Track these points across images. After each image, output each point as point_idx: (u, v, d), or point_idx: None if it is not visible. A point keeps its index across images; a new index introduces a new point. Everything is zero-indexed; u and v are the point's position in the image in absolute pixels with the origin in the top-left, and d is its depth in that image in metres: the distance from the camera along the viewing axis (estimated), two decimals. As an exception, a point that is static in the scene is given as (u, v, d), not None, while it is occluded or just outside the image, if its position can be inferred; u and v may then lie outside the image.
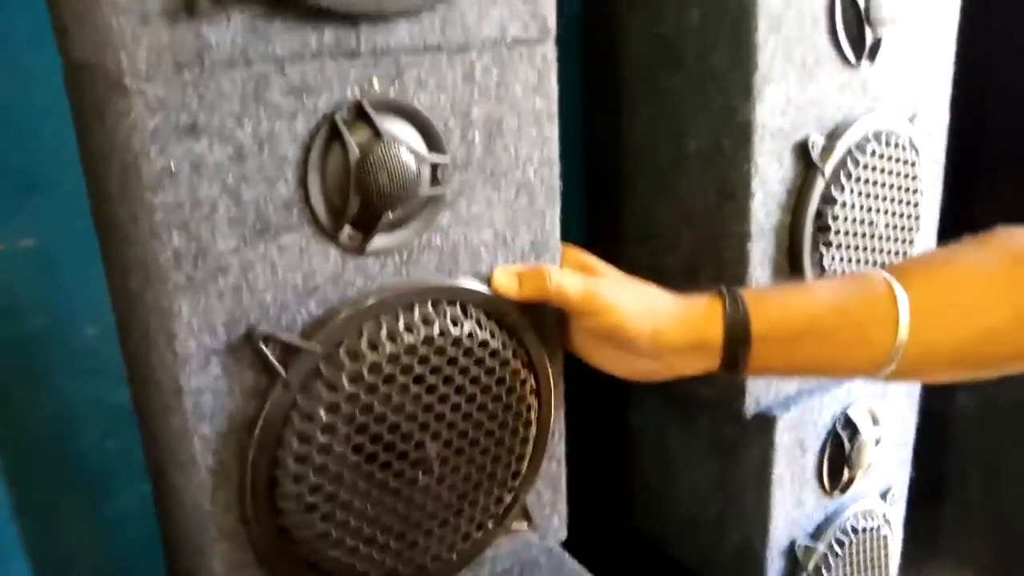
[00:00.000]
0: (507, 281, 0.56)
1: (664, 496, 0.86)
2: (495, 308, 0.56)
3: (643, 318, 0.56)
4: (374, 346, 0.50)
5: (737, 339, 0.56)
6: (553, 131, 0.57)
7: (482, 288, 0.56)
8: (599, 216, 0.81)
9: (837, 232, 0.68)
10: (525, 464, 0.61)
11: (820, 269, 0.69)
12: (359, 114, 0.48)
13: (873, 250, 0.71)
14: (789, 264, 0.68)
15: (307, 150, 0.46)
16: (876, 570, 0.85)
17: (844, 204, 0.67)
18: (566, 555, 0.69)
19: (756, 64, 0.60)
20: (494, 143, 0.54)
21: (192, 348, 0.46)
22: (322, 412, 0.49)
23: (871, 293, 0.55)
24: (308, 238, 0.48)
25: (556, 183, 0.59)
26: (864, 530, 0.82)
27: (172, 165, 0.42)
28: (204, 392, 0.47)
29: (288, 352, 0.48)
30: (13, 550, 0.73)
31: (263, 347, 0.47)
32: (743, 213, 0.65)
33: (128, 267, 0.52)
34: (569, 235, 0.64)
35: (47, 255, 0.69)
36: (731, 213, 0.66)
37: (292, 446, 0.49)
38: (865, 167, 0.68)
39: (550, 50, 0.55)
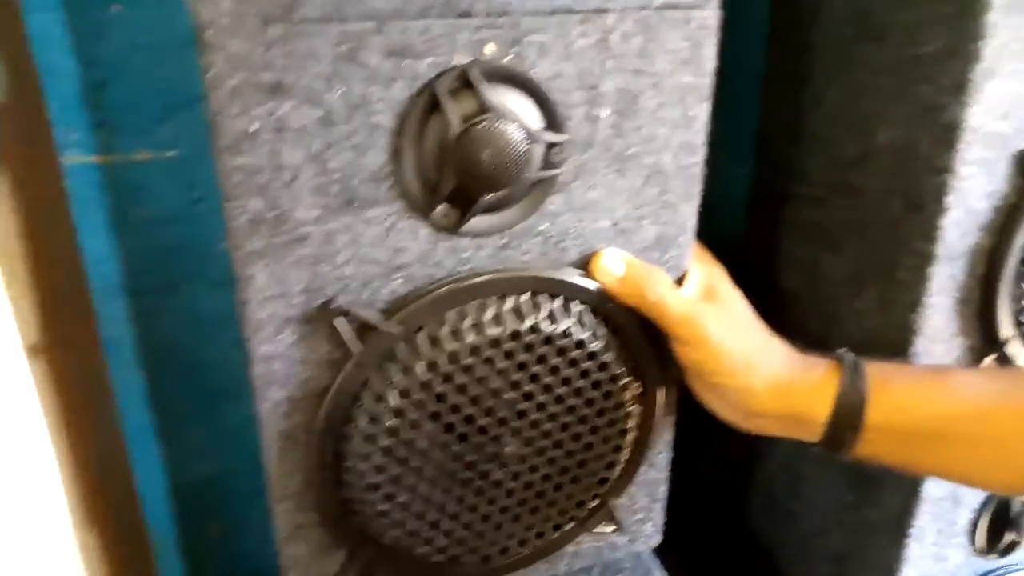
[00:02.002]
0: (611, 265, 0.49)
1: (787, 508, 0.77)
2: (602, 305, 0.50)
3: (741, 369, 0.48)
4: (456, 335, 0.46)
5: (845, 424, 0.48)
6: (702, 112, 0.49)
7: (588, 282, 0.50)
8: (762, 205, 0.71)
9: (1051, 267, 0.54)
10: (616, 471, 0.56)
11: (1020, 307, 0.56)
12: (465, 82, 0.42)
13: (1099, 292, 0.57)
14: (981, 296, 0.56)
15: (403, 119, 0.42)
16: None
17: (1070, 233, 0.53)
18: (655, 563, 0.64)
19: (978, 54, 0.48)
20: (625, 122, 0.47)
21: (264, 316, 0.44)
22: (394, 395, 0.46)
23: None
24: (397, 213, 0.44)
25: (697, 172, 0.50)
26: (1020, 602, 0.70)
27: (253, 127, 0.39)
28: (274, 359, 0.45)
29: (365, 329, 0.45)
30: (147, 441, 0.80)
31: (339, 321, 0.45)
32: (930, 230, 0.53)
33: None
34: (727, 222, 0.56)
35: (188, 168, 0.71)
36: (915, 227, 0.54)
37: (360, 424, 0.47)
38: (1110, 190, 0.53)
39: (711, 16, 0.46)
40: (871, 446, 0.48)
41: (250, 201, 0.41)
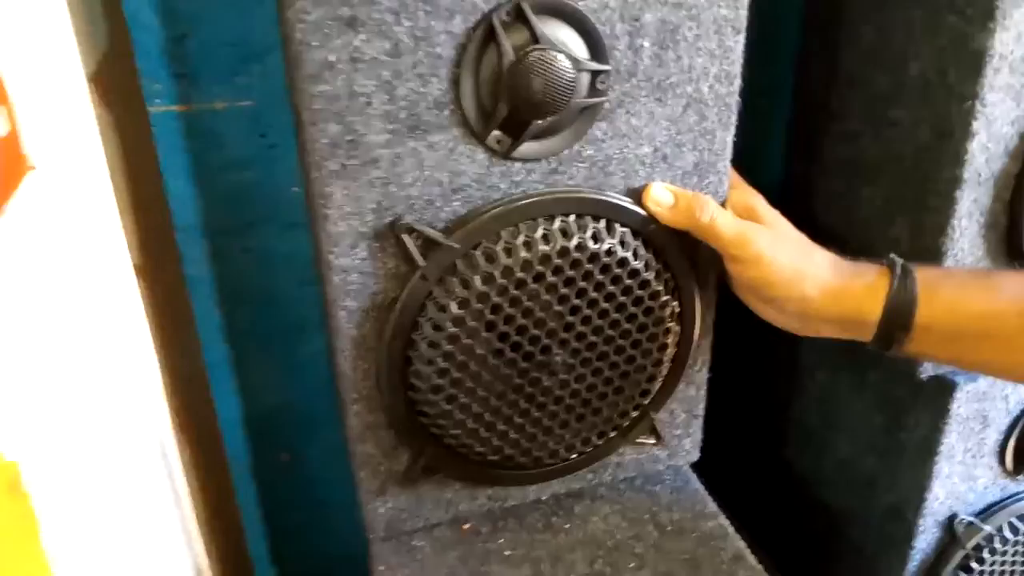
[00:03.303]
0: (661, 197, 0.54)
1: (822, 437, 0.81)
2: (644, 227, 0.55)
3: (794, 279, 0.52)
4: (509, 251, 0.51)
5: (897, 323, 0.51)
6: (738, 43, 0.52)
7: (631, 205, 0.54)
8: (801, 140, 0.74)
9: (1077, 189, 0.57)
10: (656, 384, 0.61)
11: (1046, 230, 0.59)
12: (518, 15, 0.46)
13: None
14: (1008, 220, 0.59)
15: (462, 50, 0.47)
16: (1055, 567, 0.76)
17: (1095, 157, 0.56)
18: (692, 475, 0.69)
19: (1005, -20, 0.50)
20: (665, 52, 0.51)
21: (342, 230, 0.49)
22: (454, 305, 0.51)
23: None
24: (456, 138, 0.49)
25: (733, 101, 0.54)
26: (1048, 522, 0.73)
27: (331, 57, 0.44)
28: (350, 271, 0.51)
29: (428, 245, 0.51)
30: (224, 372, 0.87)
31: (406, 237, 0.50)
32: (957, 155, 0.56)
33: (301, 147, 0.56)
34: (767, 158, 0.59)
35: (262, 116, 0.76)
36: (944, 154, 0.57)
37: (425, 331, 0.52)
38: None
39: (746, -49, 0.50)
40: (920, 344, 0.51)
41: (329, 126, 0.46)
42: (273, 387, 0.92)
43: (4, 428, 0.29)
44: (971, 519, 0.71)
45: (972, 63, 0.54)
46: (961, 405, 0.65)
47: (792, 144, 0.77)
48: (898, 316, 0.51)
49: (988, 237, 0.59)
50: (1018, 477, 0.72)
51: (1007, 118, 0.55)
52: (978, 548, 0.72)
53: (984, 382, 0.65)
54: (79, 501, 0.37)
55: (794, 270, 0.52)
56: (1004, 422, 0.69)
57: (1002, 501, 0.73)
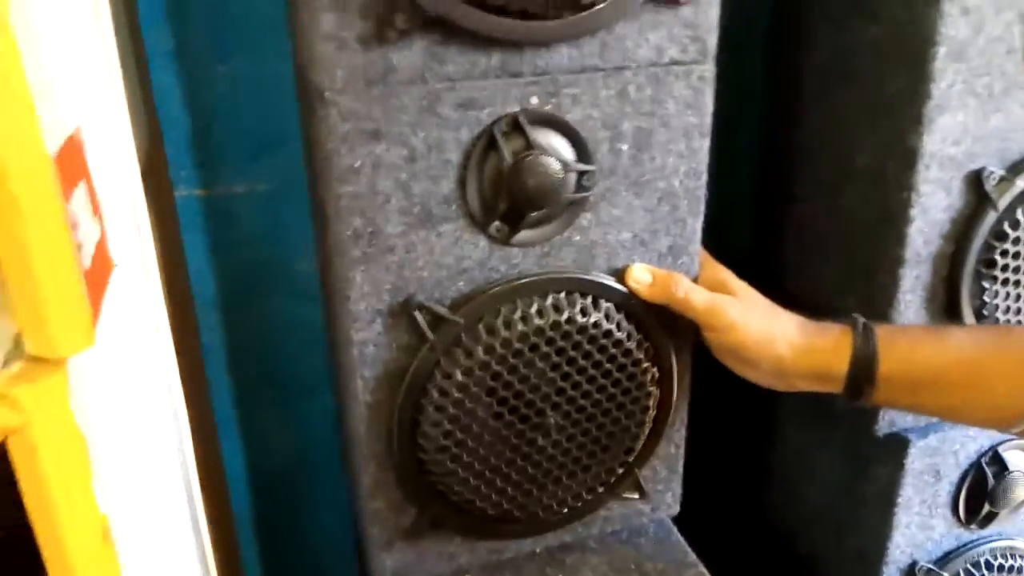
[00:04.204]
0: (640, 276, 0.61)
1: (794, 488, 0.87)
2: (625, 302, 0.62)
3: (764, 340, 0.59)
4: (508, 325, 0.58)
5: (862, 376, 0.58)
6: (703, 144, 0.60)
7: (614, 283, 0.61)
8: (766, 219, 0.82)
9: (1004, 268, 0.65)
10: (639, 443, 0.67)
11: (980, 302, 0.66)
12: (515, 126, 0.54)
13: (1047, 289, 0.67)
14: (945, 295, 0.67)
15: (468, 155, 0.54)
16: (1011, 611, 0.82)
17: (1017, 240, 0.64)
18: (673, 528, 0.74)
19: (930, 94, 0.59)
20: (641, 154, 0.59)
21: (362, 308, 0.56)
22: (459, 374, 0.58)
23: (1009, 351, 0.54)
24: (462, 228, 0.56)
25: (701, 194, 0.62)
26: (1002, 568, 0.79)
27: (357, 163, 0.52)
28: (368, 344, 0.57)
29: (437, 320, 0.58)
30: (230, 428, 0.92)
31: (417, 314, 0.57)
32: (899, 238, 0.64)
33: (323, 232, 0.64)
34: (736, 234, 0.67)
35: (276, 199, 0.84)
36: (888, 236, 0.65)
37: (432, 397, 0.59)
38: (1049, 204, 0.64)
39: (708, 70, 0.58)
40: (885, 394, 0.58)
41: (353, 219, 0.53)
42: (279, 445, 0.97)
43: (102, 486, 0.35)
44: (931, 567, 0.78)
45: (907, 159, 0.62)
46: (915, 460, 0.72)
47: (759, 216, 0.85)
48: (862, 369, 0.57)
49: (930, 309, 0.67)
50: (971, 527, 0.79)
51: (939, 206, 0.64)
52: (936, 590, 0.78)
53: (935, 438, 0.72)
54: (140, 553, 0.42)
55: (764, 333, 0.59)
56: (955, 475, 0.75)
57: (958, 549, 0.79)
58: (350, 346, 0.58)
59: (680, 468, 0.73)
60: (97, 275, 0.37)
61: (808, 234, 0.77)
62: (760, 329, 0.59)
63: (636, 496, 0.71)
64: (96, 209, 0.39)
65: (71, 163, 0.35)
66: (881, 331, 0.59)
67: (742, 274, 0.65)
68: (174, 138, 0.79)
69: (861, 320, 0.60)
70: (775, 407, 0.89)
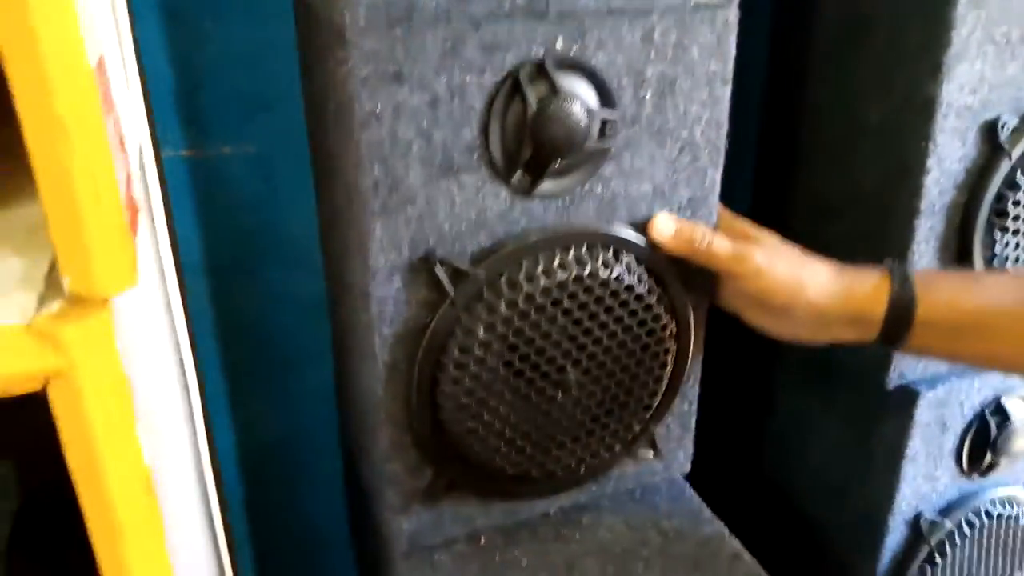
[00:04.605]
0: (664, 227, 0.60)
1: (797, 450, 0.88)
2: (645, 256, 0.61)
3: (794, 285, 0.58)
4: (530, 279, 0.57)
5: (900, 320, 0.56)
6: (725, 93, 0.59)
7: (635, 236, 0.60)
8: (767, 181, 0.82)
9: (1016, 218, 0.65)
10: (657, 400, 0.67)
11: (991, 253, 0.67)
12: (540, 70, 0.53)
13: (1056, 239, 0.68)
14: (957, 245, 0.67)
15: (491, 101, 0.52)
16: (1007, 558, 0.84)
17: (1028, 188, 0.65)
18: (687, 486, 0.74)
19: (950, 41, 0.59)
20: (664, 102, 0.57)
21: (381, 263, 0.54)
22: (480, 330, 0.56)
23: None
24: (484, 179, 0.54)
25: (722, 144, 0.61)
26: (1000, 516, 0.81)
27: (378, 108, 0.50)
28: (387, 301, 0.55)
29: (457, 275, 0.56)
30: (220, 405, 0.89)
31: (438, 268, 0.55)
32: (915, 189, 0.64)
33: (334, 186, 0.61)
34: (735, 196, 0.66)
35: (266, 162, 0.81)
36: (903, 188, 0.65)
37: (453, 354, 0.57)
38: (1061, 157, 0.64)
39: (732, 14, 0.57)
40: (920, 339, 0.56)
41: (373, 168, 0.51)
42: (269, 420, 0.94)
43: (146, 439, 0.33)
44: (934, 518, 0.79)
45: (925, 109, 0.62)
46: (923, 411, 0.72)
47: (758, 178, 0.84)
48: (901, 313, 0.56)
49: (943, 259, 0.67)
50: (972, 477, 0.80)
51: (955, 156, 0.64)
52: (940, 544, 0.79)
53: (943, 389, 0.73)
54: (173, 511, 0.40)
55: (793, 277, 0.58)
56: (960, 426, 0.76)
57: (960, 499, 0.80)
58: (368, 303, 0.55)
59: (693, 426, 0.72)
60: (129, 215, 0.35)
61: (813, 195, 0.76)
62: (789, 273, 0.58)
63: (651, 454, 0.71)
64: (122, 144, 0.37)
65: (103, 90, 0.32)
66: (919, 274, 0.57)
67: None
68: (160, 95, 0.75)
69: (896, 264, 0.58)
70: (776, 368, 0.89)
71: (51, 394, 0.29)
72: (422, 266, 0.55)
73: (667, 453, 0.72)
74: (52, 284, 0.30)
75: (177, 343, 0.58)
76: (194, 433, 0.59)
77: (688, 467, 0.74)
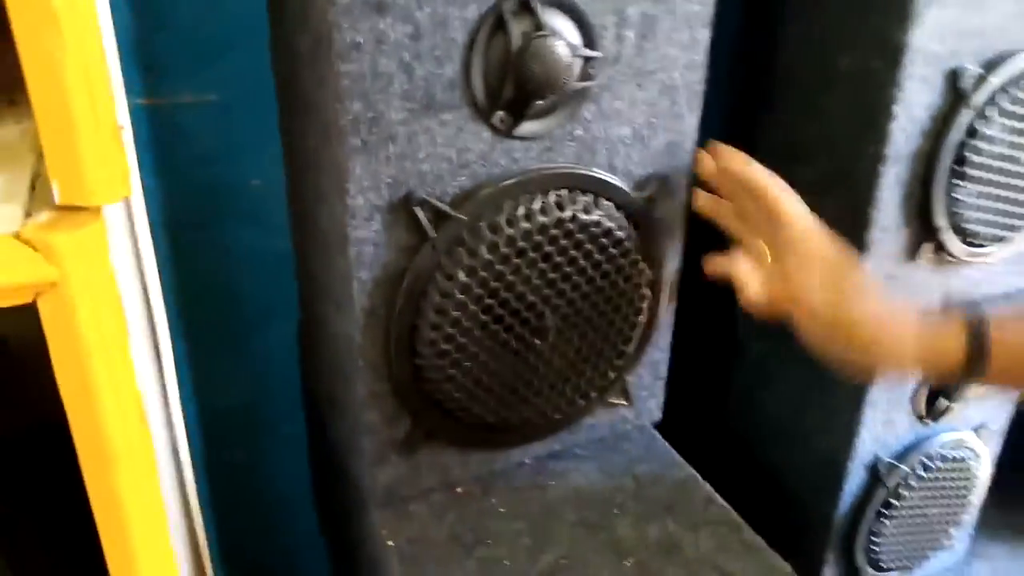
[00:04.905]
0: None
1: (760, 401, 0.90)
2: (624, 201, 0.61)
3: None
4: (511, 222, 0.56)
5: (977, 364, 0.57)
6: (705, 36, 0.59)
7: (615, 180, 0.60)
8: (738, 124, 0.82)
9: (974, 166, 0.67)
10: (631, 347, 0.67)
11: (951, 200, 0.69)
12: (524, 6, 0.51)
13: (1011, 190, 0.70)
14: (921, 192, 0.69)
15: (474, 35, 0.51)
16: (959, 500, 0.88)
17: (987, 139, 0.66)
18: (657, 435, 0.75)
19: (921, -15, 0.60)
20: (645, 42, 0.57)
21: (360, 203, 0.53)
22: (461, 274, 0.55)
23: None
24: (465, 117, 0.53)
25: (700, 88, 0.61)
26: (952, 459, 0.84)
27: (360, 38, 0.48)
28: (366, 243, 0.54)
29: (438, 217, 0.55)
30: (182, 365, 0.86)
31: (418, 210, 0.54)
32: (882, 135, 0.65)
33: (307, 127, 0.59)
34: (706, 140, 0.66)
35: (227, 111, 0.77)
36: (870, 134, 0.66)
37: (433, 299, 0.56)
38: (1017, 102, 0.66)
39: (713, -45, 0.57)
40: (998, 377, 0.57)
41: (353, 103, 0.49)
42: (230, 380, 0.92)
43: (140, 368, 0.31)
44: (892, 461, 0.81)
45: (894, 55, 0.63)
46: (885, 357, 0.74)
47: (729, 123, 0.85)
48: (977, 355, 0.56)
49: (906, 207, 0.69)
50: (926, 422, 0.83)
51: (921, 104, 0.65)
52: (897, 487, 0.82)
53: (903, 336, 0.75)
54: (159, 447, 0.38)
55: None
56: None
57: (915, 443, 0.83)
58: (346, 246, 0.54)
59: (664, 375, 0.73)
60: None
61: (784, 139, 0.77)
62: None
63: (623, 402, 0.71)
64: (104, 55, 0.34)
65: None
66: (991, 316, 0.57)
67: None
68: (116, 38, 0.71)
69: (973, 307, 0.59)
70: (739, 319, 0.90)
71: (42, 308, 0.27)
72: (402, 208, 0.54)
73: (639, 402, 0.72)
74: (37, 198, 0.29)
75: (148, 300, 0.56)
76: (164, 392, 0.57)
77: (659, 416, 0.75)
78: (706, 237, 0.65)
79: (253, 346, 0.90)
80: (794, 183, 0.76)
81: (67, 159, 0.26)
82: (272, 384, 0.93)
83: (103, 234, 0.28)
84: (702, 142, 0.65)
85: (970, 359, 0.57)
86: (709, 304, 0.93)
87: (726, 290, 0.63)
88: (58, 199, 0.27)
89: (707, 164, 0.62)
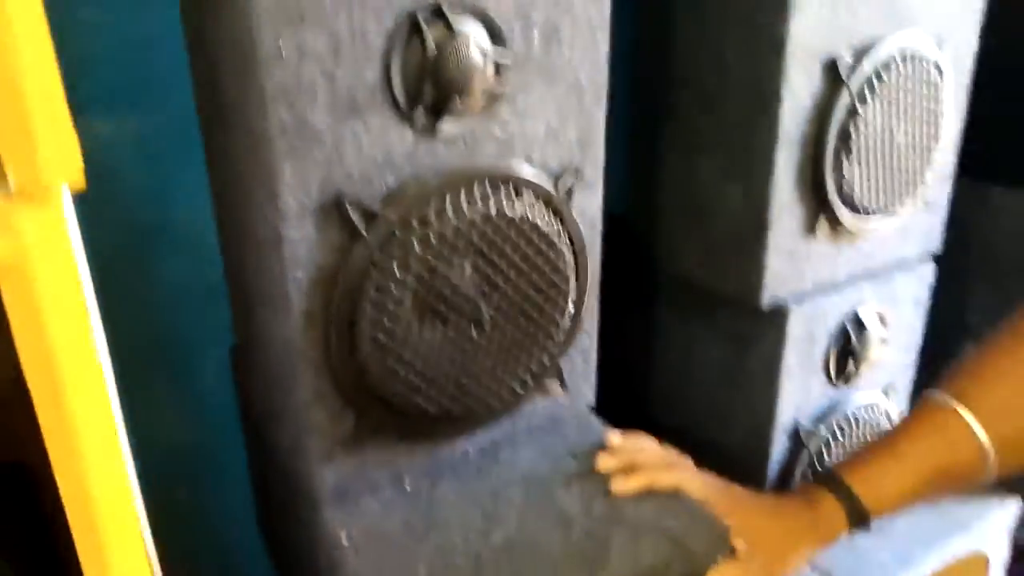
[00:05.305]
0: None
1: (683, 389, 0.95)
2: (545, 194, 0.65)
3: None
4: (440, 217, 0.59)
5: (862, 522, 0.69)
6: (604, 39, 0.64)
7: (534, 175, 0.64)
8: (642, 121, 0.88)
9: (857, 143, 0.74)
10: (562, 333, 0.71)
11: (839, 176, 0.75)
12: (437, 13, 0.55)
13: (892, 161, 0.77)
14: (812, 171, 0.75)
15: (391, 42, 0.54)
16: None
17: (865, 118, 0.73)
18: (593, 416, 0.79)
19: (793, -19, 0.66)
20: (550, 45, 0.61)
21: (292, 205, 0.55)
22: (396, 268, 0.58)
23: (957, 447, 0.66)
24: (388, 119, 0.56)
25: (603, 86, 0.66)
26: (865, 421, 0.91)
27: (281, 49, 0.51)
28: (299, 243, 0.56)
29: (369, 217, 0.57)
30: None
31: (349, 209, 0.56)
32: (773, 122, 0.72)
33: (233, 138, 0.61)
34: (615, 137, 0.71)
35: (149, 140, 0.78)
36: (762, 121, 0.73)
37: (370, 295, 0.59)
38: (888, 84, 0.73)
39: (608, -37, 0.62)
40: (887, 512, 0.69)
41: (279, 110, 0.52)
42: (169, 419, 0.91)
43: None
44: (811, 427, 0.87)
45: (775, 48, 0.69)
46: (795, 325, 0.80)
47: (634, 125, 0.90)
48: (859, 520, 0.69)
49: (800, 186, 0.75)
50: (838, 385, 0.89)
51: (805, 90, 0.72)
52: (819, 450, 0.88)
53: (809, 305, 0.81)
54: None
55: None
56: (825, 338, 0.85)
57: (829, 407, 0.89)
58: (280, 247, 0.56)
59: (594, 359, 0.77)
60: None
61: (684, 132, 0.83)
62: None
63: (559, 387, 0.75)
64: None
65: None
66: (847, 476, 0.69)
67: (620, 181, 0.70)
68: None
69: (832, 482, 0.70)
70: (658, 303, 0.95)
71: (3, 287, 0.29)
72: (333, 208, 0.56)
73: (573, 387, 0.76)
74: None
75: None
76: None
77: (592, 399, 0.79)
78: (623, 229, 0.70)
79: (189, 382, 0.90)
80: (700, 177, 0.82)
81: (19, 142, 0.28)
82: (210, 424, 0.93)
83: (61, 213, 0.30)
84: (611, 139, 0.69)
85: (852, 523, 0.69)
86: (627, 291, 0.98)
87: (643, 275, 0.68)
88: (12, 187, 0.29)
89: (603, 463, 0.70)
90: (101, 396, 0.33)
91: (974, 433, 0.66)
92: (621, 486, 0.67)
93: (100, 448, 0.33)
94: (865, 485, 0.69)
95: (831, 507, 0.69)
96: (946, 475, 0.68)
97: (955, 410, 0.66)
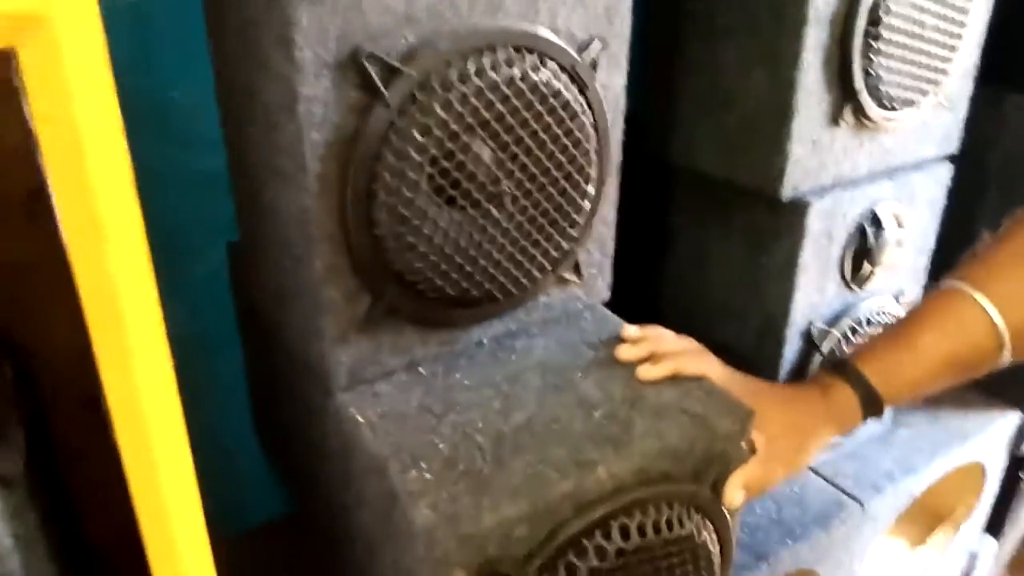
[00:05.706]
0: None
1: (698, 288, 0.93)
2: (570, 63, 0.61)
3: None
4: (463, 79, 0.56)
5: (874, 409, 0.69)
6: None
7: (559, 40, 0.60)
8: (661, 12, 0.84)
9: (886, 27, 0.71)
10: (583, 217, 0.68)
11: (867, 59, 0.73)
12: None
13: (919, 48, 0.75)
14: (840, 55, 0.72)
15: None
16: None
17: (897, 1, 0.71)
18: (608, 312, 0.77)
19: None
20: (579, -102, 0.58)
21: (309, 57, 0.51)
22: (416, 133, 0.55)
23: (971, 332, 0.66)
24: (410, -34, 0.53)
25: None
26: (877, 324, 0.90)
27: None
28: (315, 101, 0.53)
29: (389, 74, 0.54)
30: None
31: (367, 65, 0.53)
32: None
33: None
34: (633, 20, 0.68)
35: (147, 12, 0.74)
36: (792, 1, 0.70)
37: (389, 161, 0.55)
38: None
39: None
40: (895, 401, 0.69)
41: (296, -53, 0.48)
42: (164, 308, 0.88)
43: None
44: (824, 327, 0.86)
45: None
46: (814, 221, 0.78)
47: (656, 9, 0.86)
48: (872, 407, 0.68)
49: (827, 71, 0.73)
50: (852, 288, 0.88)
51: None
52: (831, 351, 0.87)
53: (829, 200, 0.79)
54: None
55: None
56: (843, 237, 0.83)
57: (844, 309, 0.88)
58: (295, 106, 0.53)
59: (611, 252, 0.75)
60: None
61: (706, 16, 0.79)
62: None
63: (575, 278, 0.73)
64: None
65: None
66: (864, 367, 0.68)
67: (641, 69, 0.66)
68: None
69: (848, 369, 0.69)
70: (675, 199, 0.93)
71: (22, 56, 0.26)
72: (351, 64, 0.53)
73: (588, 279, 0.74)
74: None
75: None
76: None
77: (607, 295, 0.77)
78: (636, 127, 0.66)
79: (189, 271, 0.87)
80: (723, 61, 0.79)
81: None
82: (207, 304, 0.90)
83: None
84: (637, 11, 0.66)
85: (867, 411, 0.69)
86: (644, 187, 0.95)
87: (661, 174, 0.65)
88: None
89: (624, 353, 0.68)
90: (132, 206, 0.29)
91: (990, 318, 0.64)
92: (647, 373, 0.65)
93: (128, 248, 0.30)
94: (880, 373, 0.67)
95: (846, 396, 0.68)
96: (961, 361, 0.67)
97: (970, 295, 0.65)
